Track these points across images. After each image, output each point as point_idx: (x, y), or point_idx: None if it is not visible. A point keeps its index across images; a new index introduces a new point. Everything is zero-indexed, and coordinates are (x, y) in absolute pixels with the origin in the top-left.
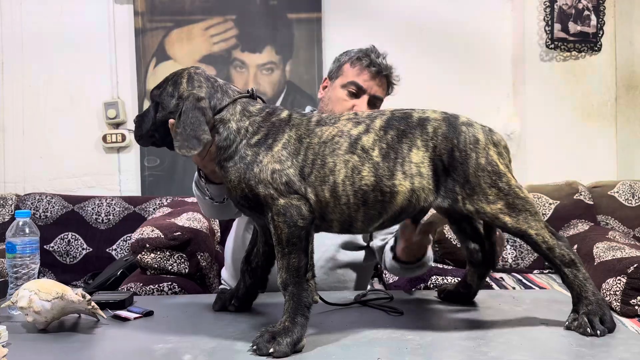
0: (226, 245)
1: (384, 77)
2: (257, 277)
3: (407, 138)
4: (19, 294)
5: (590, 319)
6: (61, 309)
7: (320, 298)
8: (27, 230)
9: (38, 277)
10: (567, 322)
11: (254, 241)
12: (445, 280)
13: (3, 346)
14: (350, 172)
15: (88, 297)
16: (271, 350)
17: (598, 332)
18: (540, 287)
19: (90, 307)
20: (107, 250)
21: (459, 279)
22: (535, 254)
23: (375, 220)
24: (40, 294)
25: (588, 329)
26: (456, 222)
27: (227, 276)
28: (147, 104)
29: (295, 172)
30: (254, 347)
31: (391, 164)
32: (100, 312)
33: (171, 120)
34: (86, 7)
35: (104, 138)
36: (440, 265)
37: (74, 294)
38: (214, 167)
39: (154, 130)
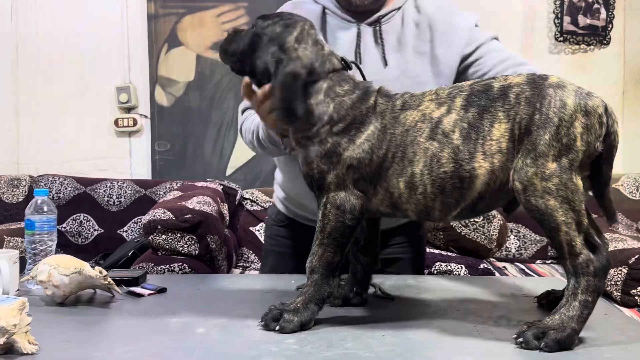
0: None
1: None
2: (370, 253)
3: (489, 113)
4: (39, 268)
5: (531, 327)
6: (79, 284)
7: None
8: (45, 209)
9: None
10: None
11: None
12: (448, 267)
13: (28, 315)
14: (429, 160)
15: (105, 272)
16: (277, 327)
17: (519, 339)
18: (541, 276)
19: (106, 282)
20: (118, 231)
21: (463, 265)
22: (539, 244)
23: (453, 209)
24: (59, 268)
25: (523, 344)
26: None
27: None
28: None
29: (372, 169)
30: (262, 322)
31: (471, 145)
32: (116, 287)
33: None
34: None
35: (116, 122)
36: (444, 252)
37: (92, 270)
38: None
39: (241, 55)
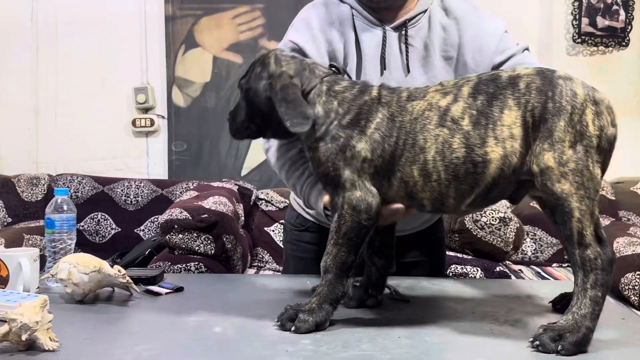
0: None
1: None
2: (385, 255)
3: (498, 100)
4: (59, 266)
5: (547, 331)
6: (98, 282)
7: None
8: (65, 208)
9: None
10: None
11: None
12: (464, 270)
13: (49, 312)
14: (441, 146)
15: (123, 271)
16: (293, 328)
17: (536, 342)
18: (558, 280)
19: (125, 281)
20: (135, 230)
21: (479, 268)
22: (555, 247)
23: (467, 196)
24: (79, 267)
25: (540, 347)
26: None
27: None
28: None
29: (385, 159)
30: (278, 322)
31: (482, 130)
32: (134, 286)
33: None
34: None
35: (134, 122)
36: (460, 255)
37: (110, 268)
38: None
39: (249, 121)
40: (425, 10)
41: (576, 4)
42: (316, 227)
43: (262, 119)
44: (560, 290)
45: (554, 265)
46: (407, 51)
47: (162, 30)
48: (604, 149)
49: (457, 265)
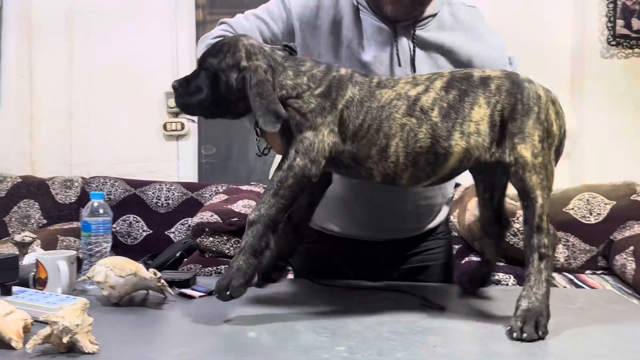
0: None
1: None
2: (300, 231)
3: (469, 97)
4: (96, 269)
5: (526, 320)
6: (133, 285)
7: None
8: (101, 211)
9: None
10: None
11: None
12: (496, 276)
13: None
14: (406, 135)
15: (158, 274)
16: (228, 293)
17: (524, 334)
18: (592, 288)
19: (160, 284)
20: (166, 232)
21: (511, 275)
22: (589, 254)
23: (423, 181)
24: (115, 270)
25: (514, 333)
26: (491, 190)
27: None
28: None
29: (347, 135)
30: (215, 295)
31: (450, 123)
32: (168, 289)
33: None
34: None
35: (164, 126)
36: None
37: (146, 272)
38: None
39: (211, 102)
40: (435, 15)
41: (611, 5)
42: (323, 237)
43: (225, 105)
44: (597, 299)
45: (587, 272)
46: (414, 50)
47: (192, 35)
48: (557, 147)
49: None
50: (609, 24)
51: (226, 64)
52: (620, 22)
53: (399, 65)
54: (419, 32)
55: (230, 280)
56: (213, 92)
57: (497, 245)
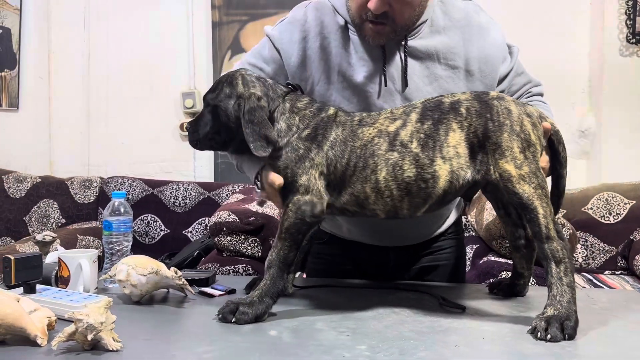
0: None
1: None
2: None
3: (443, 124)
4: (118, 268)
5: (551, 322)
6: (155, 283)
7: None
8: (122, 210)
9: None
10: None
11: None
12: None
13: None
14: (392, 168)
15: (179, 273)
16: (233, 319)
17: (548, 336)
18: (611, 288)
19: (180, 282)
20: (184, 232)
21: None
22: (608, 254)
23: (421, 207)
24: (137, 268)
25: (539, 333)
26: (503, 206)
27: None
28: None
29: (337, 176)
30: (219, 315)
31: (430, 152)
32: (189, 288)
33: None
34: (167, 0)
35: (181, 126)
36: (510, 262)
37: (167, 270)
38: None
39: (214, 134)
40: (426, 21)
41: (630, 3)
42: (334, 240)
43: (228, 135)
44: (618, 299)
45: (607, 272)
46: (405, 63)
47: (209, 36)
48: (558, 153)
49: (508, 272)
50: (628, 22)
51: (224, 94)
52: (639, 20)
53: (391, 82)
54: (411, 42)
55: (239, 306)
56: (214, 123)
57: (528, 257)
